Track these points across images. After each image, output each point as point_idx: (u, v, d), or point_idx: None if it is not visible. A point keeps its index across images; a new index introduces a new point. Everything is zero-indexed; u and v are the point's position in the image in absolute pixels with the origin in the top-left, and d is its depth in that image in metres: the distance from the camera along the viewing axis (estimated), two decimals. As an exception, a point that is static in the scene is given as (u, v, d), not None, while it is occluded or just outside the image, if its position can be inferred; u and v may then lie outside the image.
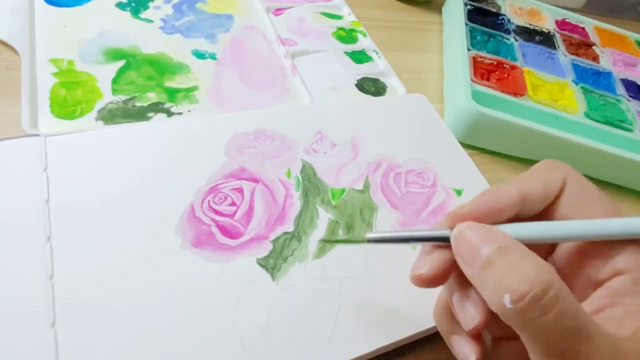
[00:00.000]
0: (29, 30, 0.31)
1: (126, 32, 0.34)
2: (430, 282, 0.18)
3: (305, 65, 0.37)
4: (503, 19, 0.48)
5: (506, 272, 0.15)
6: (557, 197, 0.19)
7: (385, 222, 0.27)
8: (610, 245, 0.17)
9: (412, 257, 0.25)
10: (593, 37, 0.51)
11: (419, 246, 0.26)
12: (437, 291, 0.24)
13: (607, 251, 0.17)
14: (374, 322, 0.22)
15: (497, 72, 0.41)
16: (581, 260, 0.18)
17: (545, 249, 0.20)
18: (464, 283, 0.18)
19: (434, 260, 0.18)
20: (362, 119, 0.32)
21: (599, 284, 0.17)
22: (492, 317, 0.17)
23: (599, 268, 0.17)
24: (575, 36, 0.50)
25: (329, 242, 0.24)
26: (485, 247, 0.16)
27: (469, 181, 0.31)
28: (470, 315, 0.18)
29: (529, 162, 0.38)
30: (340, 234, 0.25)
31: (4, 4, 0.32)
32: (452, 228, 0.18)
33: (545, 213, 0.19)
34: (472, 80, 0.38)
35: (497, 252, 0.16)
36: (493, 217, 0.18)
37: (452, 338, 0.19)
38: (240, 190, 0.26)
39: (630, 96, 0.43)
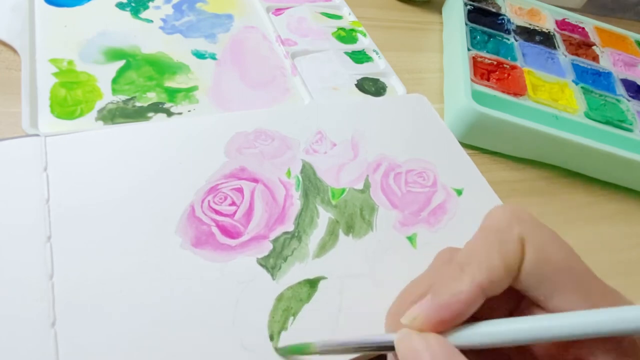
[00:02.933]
0: (29, 30, 0.31)
1: (126, 32, 0.34)
2: None
3: (305, 65, 0.37)
4: (503, 19, 0.48)
5: None
6: (519, 269, 0.16)
7: (386, 222, 0.27)
8: (578, 341, 0.15)
9: (413, 257, 0.26)
10: (593, 37, 0.51)
11: (419, 245, 0.26)
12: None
13: (575, 345, 0.16)
14: (374, 321, 0.22)
15: (497, 72, 0.41)
16: (548, 346, 0.17)
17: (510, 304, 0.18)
18: None
19: None
20: (362, 119, 0.32)
21: None
22: None
23: (565, 351, 0.16)
24: (575, 36, 0.50)
25: (281, 351, 0.21)
26: (419, 358, 0.15)
27: (469, 181, 0.31)
28: None
29: (529, 162, 0.38)
30: (340, 233, 0.25)
31: (4, 4, 0.32)
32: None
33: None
34: (472, 80, 0.38)
35: None
36: (451, 324, 0.16)
37: None
38: (240, 190, 0.26)
39: (630, 96, 0.43)
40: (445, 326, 0.16)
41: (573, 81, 0.42)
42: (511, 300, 0.18)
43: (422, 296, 0.17)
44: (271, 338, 0.21)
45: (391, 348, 0.17)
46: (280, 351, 0.20)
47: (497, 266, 0.16)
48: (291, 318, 0.21)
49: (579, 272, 0.16)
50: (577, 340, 0.15)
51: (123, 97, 0.30)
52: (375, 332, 0.22)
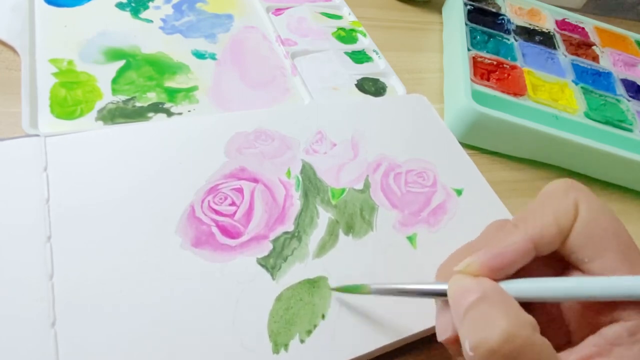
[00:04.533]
0: (29, 30, 0.31)
1: (126, 32, 0.34)
2: (457, 341, 0.17)
3: (305, 65, 0.37)
4: (503, 19, 0.48)
5: (475, 321, 0.15)
6: (570, 230, 0.17)
7: (386, 222, 0.27)
8: None
9: (413, 257, 0.26)
10: (593, 37, 0.51)
11: (419, 245, 0.26)
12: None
13: None
14: (374, 321, 0.22)
15: (497, 72, 0.41)
16: (584, 304, 0.17)
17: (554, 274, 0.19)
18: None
19: (447, 318, 0.18)
20: (362, 119, 0.32)
21: (596, 328, 0.16)
22: None
23: (599, 311, 0.16)
24: (575, 36, 0.50)
25: (337, 290, 0.23)
26: (470, 296, 0.16)
27: (469, 181, 0.31)
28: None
29: (529, 162, 0.38)
30: (340, 233, 0.25)
31: (4, 4, 0.32)
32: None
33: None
34: (472, 80, 0.38)
35: (477, 301, 0.16)
36: (505, 272, 0.17)
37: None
38: (240, 190, 0.26)
39: (630, 96, 0.43)
40: (496, 274, 0.17)
41: (573, 81, 0.42)
42: (554, 270, 0.19)
43: (476, 252, 0.17)
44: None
45: (442, 294, 0.18)
46: (336, 290, 0.22)
47: (550, 223, 0.17)
48: (291, 318, 0.21)
49: (625, 240, 0.17)
50: (614, 301, 0.16)
51: (123, 97, 0.30)
52: (375, 332, 0.22)
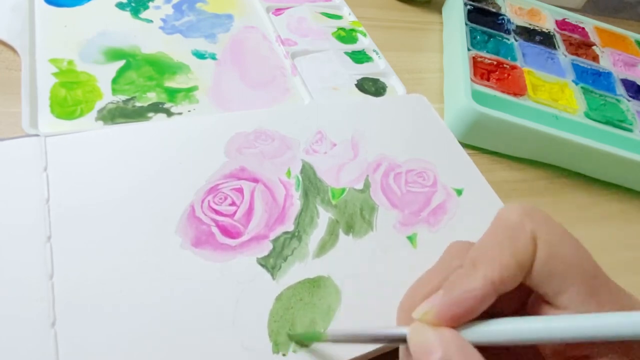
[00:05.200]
0: (29, 30, 0.31)
1: (126, 32, 0.34)
2: None
3: (305, 65, 0.37)
4: (503, 19, 0.48)
5: None
6: (531, 265, 0.16)
7: (386, 222, 0.27)
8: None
9: (413, 257, 0.26)
10: (593, 37, 0.51)
11: (419, 245, 0.26)
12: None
13: (584, 343, 0.16)
14: (375, 321, 0.22)
15: (497, 72, 0.41)
16: (559, 346, 0.17)
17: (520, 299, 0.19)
18: None
19: None
20: (362, 119, 0.32)
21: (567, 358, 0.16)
22: None
23: (570, 350, 0.16)
24: (575, 36, 0.50)
25: (293, 338, 0.21)
26: (431, 356, 0.15)
27: (469, 181, 0.31)
28: None
29: (529, 162, 0.38)
30: (340, 233, 0.25)
31: (4, 4, 0.32)
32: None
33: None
34: (472, 80, 0.38)
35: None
36: (464, 319, 0.16)
37: None
38: (240, 190, 0.26)
39: (630, 96, 0.43)
40: (456, 322, 0.16)
41: (573, 81, 0.42)
42: (520, 294, 0.18)
43: (434, 291, 0.17)
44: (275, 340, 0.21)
45: (403, 341, 0.17)
46: (292, 337, 0.21)
47: (509, 263, 0.16)
48: (291, 318, 0.21)
49: (588, 269, 0.16)
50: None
51: (123, 97, 0.30)
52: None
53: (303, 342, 0.21)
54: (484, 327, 0.16)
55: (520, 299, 0.18)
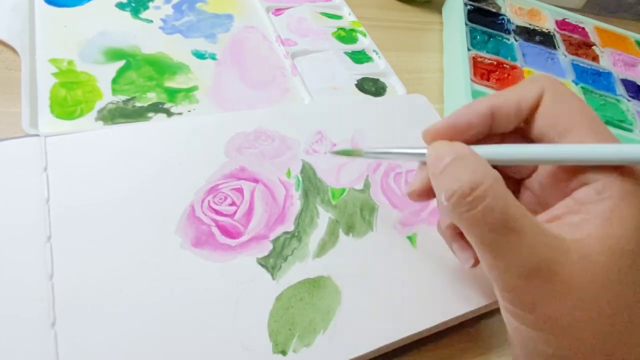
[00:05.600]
0: (29, 30, 0.31)
1: (126, 32, 0.34)
2: (421, 195, 0.21)
3: (305, 65, 0.37)
4: (503, 19, 0.48)
5: (448, 175, 0.18)
6: (533, 112, 0.19)
7: (386, 222, 0.27)
8: None
9: (413, 257, 0.26)
10: (593, 37, 0.51)
11: (419, 245, 0.26)
12: (437, 291, 0.24)
13: (579, 167, 0.18)
14: (374, 321, 0.22)
15: (497, 72, 0.41)
16: (557, 173, 0.19)
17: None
18: (458, 234, 0.22)
19: (422, 175, 0.21)
20: (362, 119, 0.32)
21: (567, 194, 0.18)
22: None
23: (570, 179, 0.18)
24: (575, 36, 0.50)
25: (337, 153, 0.26)
26: (446, 157, 0.18)
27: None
28: (465, 258, 0.21)
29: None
30: (340, 233, 0.25)
31: (4, 4, 0.32)
32: (429, 143, 0.20)
33: (522, 129, 0.20)
34: (472, 80, 0.38)
35: (451, 161, 0.18)
36: (462, 131, 0.20)
37: (454, 245, 0.22)
38: (240, 190, 0.26)
39: (630, 96, 0.43)
40: (458, 133, 0.19)
41: (573, 81, 0.42)
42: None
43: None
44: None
45: (423, 156, 0.20)
46: (334, 152, 0.26)
47: (511, 100, 0.19)
48: (292, 318, 0.21)
49: (591, 116, 0.18)
50: (583, 167, 0.17)
51: (123, 97, 0.30)
52: (375, 331, 0.22)
53: (344, 154, 0.26)
54: (492, 149, 0.19)
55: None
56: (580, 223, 0.16)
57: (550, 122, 0.19)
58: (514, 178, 0.22)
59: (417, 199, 0.21)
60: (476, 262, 0.21)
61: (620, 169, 0.16)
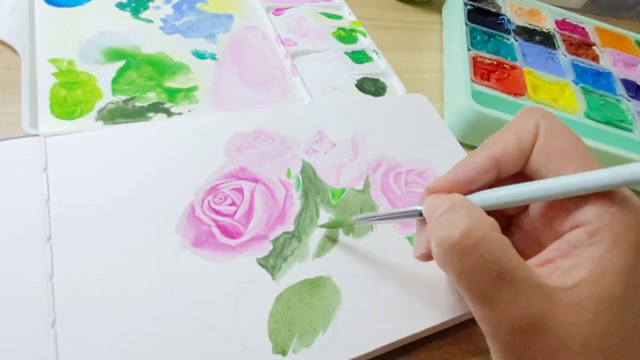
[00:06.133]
0: (29, 30, 0.31)
1: (126, 32, 0.34)
2: (430, 257, 0.20)
3: (305, 65, 0.37)
4: (503, 19, 0.48)
5: (442, 224, 0.17)
6: (531, 150, 0.19)
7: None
8: (574, 200, 0.17)
9: (413, 256, 0.25)
10: (593, 37, 0.51)
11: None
12: (437, 291, 0.24)
13: (571, 205, 0.17)
14: (374, 321, 0.22)
15: (497, 72, 0.41)
16: (549, 214, 0.19)
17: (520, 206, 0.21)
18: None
19: (424, 237, 0.20)
20: (362, 119, 0.32)
21: (559, 236, 0.17)
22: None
23: (562, 221, 0.18)
24: (575, 36, 0.50)
25: (323, 226, 0.25)
26: (441, 208, 0.18)
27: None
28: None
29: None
30: (340, 233, 0.25)
31: (4, 4, 0.32)
32: None
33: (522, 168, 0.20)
34: (472, 80, 0.38)
35: (446, 210, 0.17)
36: (467, 187, 0.19)
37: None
38: (240, 190, 0.26)
39: (630, 96, 0.43)
40: (460, 189, 0.19)
41: (573, 81, 0.42)
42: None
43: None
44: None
45: (419, 214, 0.20)
46: (321, 226, 0.25)
47: (512, 143, 0.19)
48: (292, 318, 0.21)
49: (584, 154, 0.18)
50: (574, 207, 0.17)
51: (123, 97, 0.30)
52: (374, 332, 0.22)
53: (332, 230, 0.25)
54: (485, 194, 0.18)
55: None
56: (571, 268, 0.16)
57: (544, 161, 0.18)
58: (506, 214, 0.21)
59: (427, 260, 0.20)
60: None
61: (611, 212, 0.16)
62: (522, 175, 0.19)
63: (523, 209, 0.21)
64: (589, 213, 0.16)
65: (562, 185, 0.17)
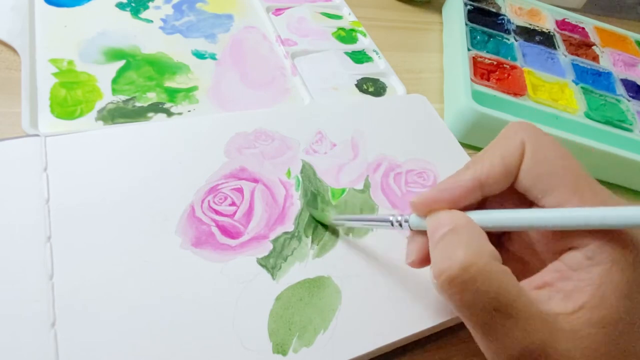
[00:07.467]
0: (29, 30, 0.31)
1: (126, 32, 0.34)
2: (422, 263, 0.20)
3: (305, 65, 0.37)
4: (503, 19, 0.48)
5: (441, 252, 0.17)
6: (517, 170, 0.18)
7: (386, 222, 0.27)
8: None
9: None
10: (593, 37, 0.51)
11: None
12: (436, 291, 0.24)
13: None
14: (374, 321, 0.22)
15: (497, 72, 0.41)
16: (546, 233, 0.18)
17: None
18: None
19: (416, 245, 0.20)
20: (362, 119, 0.32)
21: (556, 257, 0.17)
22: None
23: (559, 241, 0.17)
24: (575, 36, 0.50)
25: (308, 209, 0.26)
26: (442, 228, 0.17)
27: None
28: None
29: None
30: (340, 233, 0.25)
31: (4, 4, 0.32)
32: (418, 213, 0.20)
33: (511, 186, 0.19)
34: (472, 80, 0.38)
35: (447, 233, 0.17)
36: (452, 206, 0.19)
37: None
38: (240, 190, 0.26)
39: (630, 96, 0.43)
40: (444, 207, 0.19)
41: (573, 81, 0.42)
42: (525, 204, 0.20)
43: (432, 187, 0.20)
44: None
45: (397, 223, 0.20)
46: (307, 207, 0.26)
47: (496, 164, 0.18)
48: (292, 318, 0.21)
49: (573, 171, 0.18)
50: (569, 230, 0.17)
51: (123, 97, 0.30)
52: (374, 331, 0.22)
53: (315, 217, 0.25)
54: (484, 215, 0.18)
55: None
56: (572, 292, 0.16)
57: (532, 181, 0.18)
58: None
59: (419, 267, 0.20)
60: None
61: (609, 234, 0.16)
62: (512, 190, 0.19)
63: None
64: (586, 236, 0.16)
65: (555, 218, 0.16)
